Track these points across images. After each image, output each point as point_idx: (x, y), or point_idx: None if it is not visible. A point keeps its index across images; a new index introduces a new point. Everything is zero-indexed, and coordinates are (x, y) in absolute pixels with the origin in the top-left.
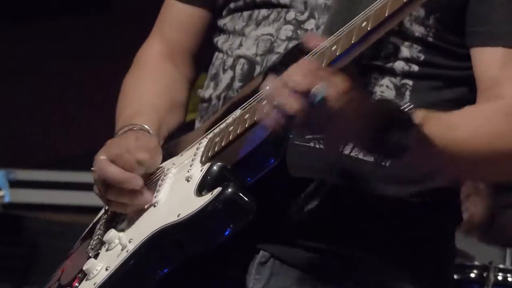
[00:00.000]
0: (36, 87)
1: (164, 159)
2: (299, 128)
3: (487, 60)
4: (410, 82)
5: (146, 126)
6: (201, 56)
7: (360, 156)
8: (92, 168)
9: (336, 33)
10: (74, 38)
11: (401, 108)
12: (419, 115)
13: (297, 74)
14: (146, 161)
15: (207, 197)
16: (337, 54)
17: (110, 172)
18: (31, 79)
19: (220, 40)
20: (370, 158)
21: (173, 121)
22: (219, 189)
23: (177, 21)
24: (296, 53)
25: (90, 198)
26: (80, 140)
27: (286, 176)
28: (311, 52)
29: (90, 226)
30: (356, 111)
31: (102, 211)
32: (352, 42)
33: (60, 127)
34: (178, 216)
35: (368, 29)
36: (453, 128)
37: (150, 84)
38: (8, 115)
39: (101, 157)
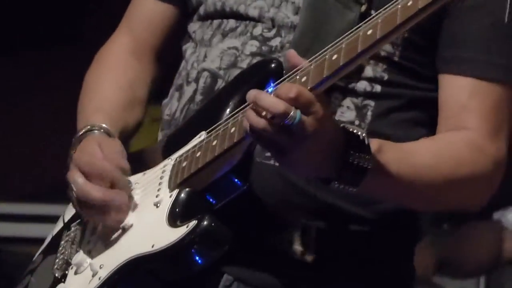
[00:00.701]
0: (11, 120)
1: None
2: (267, 147)
3: (455, 88)
4: (372, 103)
5: (105, 126)
6: (166, 55)
7: None
8: (72, 190)
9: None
10: (45, 70)
11: (358, 134)
12: (375, 142)
13: (273, 97)
14: (128, 169)
15: (182, 230)
16: (308, 87)
17: (93, 192)
18: (5, 112)
19: (188, 49)
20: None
21: (132, 118)
22: (194, 222)
23: (146, 17)
24: (258, 70)
25: None
26: (57, 173)
27: (248, 200)
28: (282, 78)
29: (50, 239)
30: (325, 136)
31: (61, 224)
32: (324, 75)
33: (38, 160)
34: (153, 246)
35: (340, 64)
36: (412, 154)
37: (111, 79)
38: None
39: (78, 178)
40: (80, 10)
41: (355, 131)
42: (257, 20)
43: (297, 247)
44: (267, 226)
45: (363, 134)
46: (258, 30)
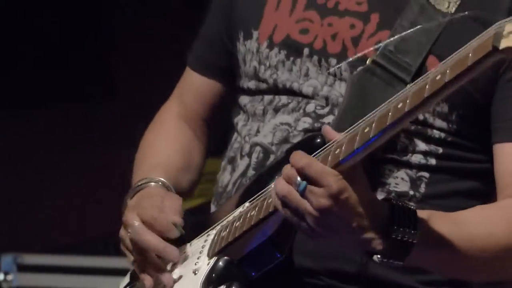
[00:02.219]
0: (42, 173)
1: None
2: (291, 218)
3: (509, 156)
4: (426, 175)
5: (164, 180)
6: (214, 125)
7: None
8: (128, 232)
9: (347, 131)
10: (80, 125)
11: (405, 207)
12: (424, 213)
13: (290, 164)
14: (180, 224)
15: None
16: (340, 159)
17: (150, 240)
18: (37, 165)
19: (239, 122)
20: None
21: (187, 180)
22: (222, 287)
23: (194, 90)
24: (305, 145)
25: (96, 282)
26: (86, 225)
27: (290, 265)
28: (318, 151)
29: None
30: (350, 212)
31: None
32: (354, 147)
33: (66, 213)
34: None
35: (370, 136)
36: (463, 224)
37: (167, 143)
38: (14, 201)
39: (135, 221)
40: (115, 66)
41: (402, 204)
42: (310, 97)
43: None
44: None
45: (411, 207)
46: (311, 107)
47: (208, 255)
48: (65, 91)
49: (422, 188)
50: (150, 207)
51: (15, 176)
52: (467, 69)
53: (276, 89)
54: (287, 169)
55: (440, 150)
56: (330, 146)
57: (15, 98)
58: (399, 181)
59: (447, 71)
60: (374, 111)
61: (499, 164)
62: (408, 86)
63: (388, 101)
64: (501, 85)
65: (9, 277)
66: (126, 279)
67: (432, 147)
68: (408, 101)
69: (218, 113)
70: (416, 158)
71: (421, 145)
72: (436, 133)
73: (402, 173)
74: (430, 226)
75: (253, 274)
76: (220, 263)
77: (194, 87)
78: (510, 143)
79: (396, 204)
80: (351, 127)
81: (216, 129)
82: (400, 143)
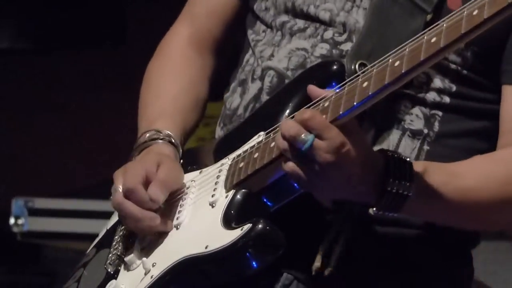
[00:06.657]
0: (54, 117)
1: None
2: (291, 175)
3: None
4: (439, 113)
5: (170, 133)
6: (227, 47)
7: None
8: (110, 197)
9: (345, 84)
10: (90, 71)
11: (401, 159)
12: (420, 165)
13: (292, 120)
14: (160, 200)
15: (237, 233)
16: (369, 92)
17: (127, 209)
18: (48, 110)
19: (253, 41)
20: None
21: (193, 120)
22: (249, 225)
23: (208, 8)
24: (319, 71)
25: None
26: (97, 169)
27: (309, 202)
28: (313, 104)
29: (104, 232)
30: (349, 165)
31: (115, 218)
32: (385, 82)
33: (78, 157)
34: (206, 247)
35: (403, 71)
36: (459, 176)
37: (175, 78)
38: (26, 145)
39: (118, 188)
40: (124, 12)
41: (398, 156)
42: (328, 24)
43: (317, 264)
44: (323, 229)
45: (407, 159)
46: (329, 33)
47: (225, 187)
48: (74, 36)
49: (436, 127)
50: (135, 175)
51: (27, 120)
52: (509, 4)
53: (294, 12)
54: (289, 126)
55: (454, 88)
56: (356, 79)
57: (26, 45)
58: (413, 118)
59: (485, 6)
60: (403, 44)
61: (505, 107)
62: (428, 16)
63: (419, 34)
64: None
65: (20, 221)
66: (115, 216)
67: (447, 84)
68: (443, 35)
69: (230, 35)
70: (431, 96)
71: (437, 82)
72: (452, 66)
73: (416, 110)
74: (425, 178)
75: (271, 206)
76: (239, 196)
77: (208, 3)
78: None
79: (392, 156)
80: (379, 60)
81: (224, 58)
82: (417, 79)
